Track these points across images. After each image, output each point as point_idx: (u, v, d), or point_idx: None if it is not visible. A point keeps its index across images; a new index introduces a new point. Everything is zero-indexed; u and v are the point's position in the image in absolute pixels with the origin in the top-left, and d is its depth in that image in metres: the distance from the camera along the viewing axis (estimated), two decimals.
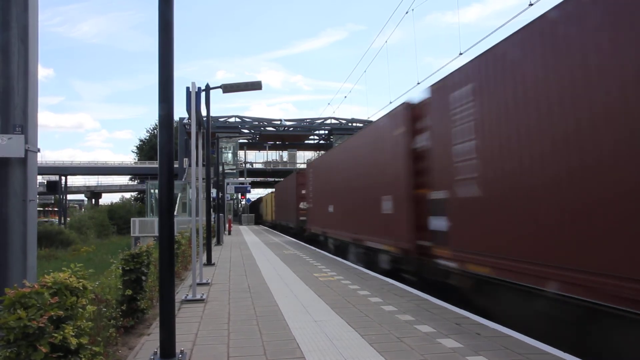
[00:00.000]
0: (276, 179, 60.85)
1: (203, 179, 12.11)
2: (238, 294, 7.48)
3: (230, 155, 53.06)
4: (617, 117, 4.12)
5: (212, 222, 14.84)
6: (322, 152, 64.04)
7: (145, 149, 72.75)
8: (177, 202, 35.29)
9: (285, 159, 64.41)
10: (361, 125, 54.45)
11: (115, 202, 71.97)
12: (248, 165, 57.64)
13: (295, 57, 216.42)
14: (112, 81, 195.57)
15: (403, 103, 9.02)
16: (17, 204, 3.81)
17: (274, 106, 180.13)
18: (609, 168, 4.20)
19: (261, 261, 12.33)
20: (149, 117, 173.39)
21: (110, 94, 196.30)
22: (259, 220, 50.55)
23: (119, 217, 54.21)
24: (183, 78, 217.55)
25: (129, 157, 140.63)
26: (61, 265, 3.70)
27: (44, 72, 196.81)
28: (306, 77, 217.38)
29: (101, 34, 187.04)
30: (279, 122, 53.89)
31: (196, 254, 7.46)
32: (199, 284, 8.26)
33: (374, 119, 54.00)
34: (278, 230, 31.22)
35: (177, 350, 3.99)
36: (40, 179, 63.53)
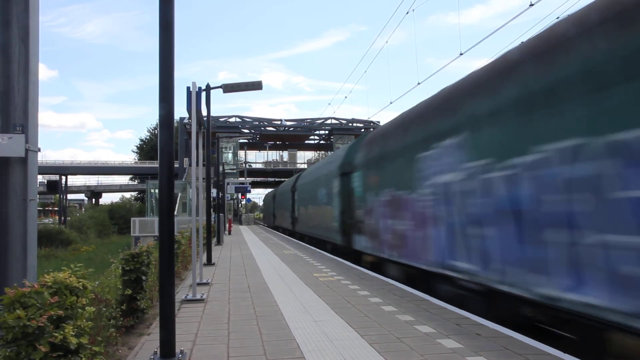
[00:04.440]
0: (276, 179, 60.84)
1: (203, 178, 12.12)
2: (238, 294, 7.48)
3: (230, 155, 53.05)
4: None
5: (212, 222, 14.84)
6: (322, 152, 64.32)
7: (146, 149, 72.62)
8: (177, 202, 35.29)
9: (285, 159, 64.41)
10: (361, 125, 54.43)
11: (116, 202, 71.79)
12: (248, 165, 57.60)
13: (298, 57, 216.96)
14: (114, 81, 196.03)
15: None
16: (17, 203, 3.81)
17: (275, 107, 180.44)
18: None
19: (261, 261, 12.32)
20: (151, 116, 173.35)
21: (113, 94, 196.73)
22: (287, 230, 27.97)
23: (119, 217, 54.13)
24: (185, 78, 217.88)
25: (129, 157, 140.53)
26: (61, 265, 3.70)
27: (48, 74, 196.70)
28: (308, 78, 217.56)
29: (105, 34, 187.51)
30: (279, 122, 53.87)
31: (196, 253, 7.46)
32: (199, 284, 8.25)
33: (374, 119, 54.08)
34: None
35: (177, 350, 3.99)
36: (40, 178, 63.56)
